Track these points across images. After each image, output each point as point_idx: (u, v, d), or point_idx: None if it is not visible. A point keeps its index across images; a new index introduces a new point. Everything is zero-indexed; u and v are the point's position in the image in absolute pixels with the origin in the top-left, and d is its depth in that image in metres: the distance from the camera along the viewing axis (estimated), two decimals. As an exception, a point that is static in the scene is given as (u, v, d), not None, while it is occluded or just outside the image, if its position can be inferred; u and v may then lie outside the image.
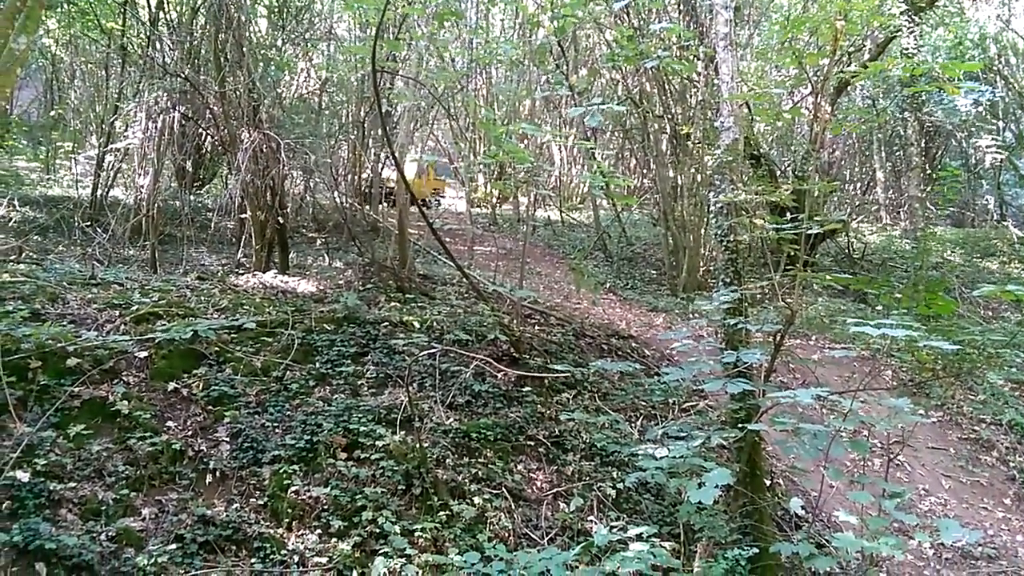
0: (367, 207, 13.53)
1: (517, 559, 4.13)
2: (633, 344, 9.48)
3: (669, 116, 14.20)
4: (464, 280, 9.25)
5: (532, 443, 6.71)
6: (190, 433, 5.74)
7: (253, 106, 9.76)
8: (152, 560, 4.50)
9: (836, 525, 6.66)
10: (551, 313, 9.51)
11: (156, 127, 10.98)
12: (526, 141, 19.17)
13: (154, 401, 5.92)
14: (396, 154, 8.39)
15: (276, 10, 14.43)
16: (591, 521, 6.00)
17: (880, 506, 3.93)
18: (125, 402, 5.68)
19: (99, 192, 13.05)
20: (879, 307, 12.13)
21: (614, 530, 4.80)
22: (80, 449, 5.21)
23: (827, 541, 5.55)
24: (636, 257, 16.74)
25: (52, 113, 17.47)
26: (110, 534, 4.66)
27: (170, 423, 5.78)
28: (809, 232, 5.34)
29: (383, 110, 8.60)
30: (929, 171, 19.21)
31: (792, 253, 6.38)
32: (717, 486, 3.92)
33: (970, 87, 14.19)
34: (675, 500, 6.14)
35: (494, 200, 20.64)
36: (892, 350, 8.68)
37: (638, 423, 7.46)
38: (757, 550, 5.06)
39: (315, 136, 11.97)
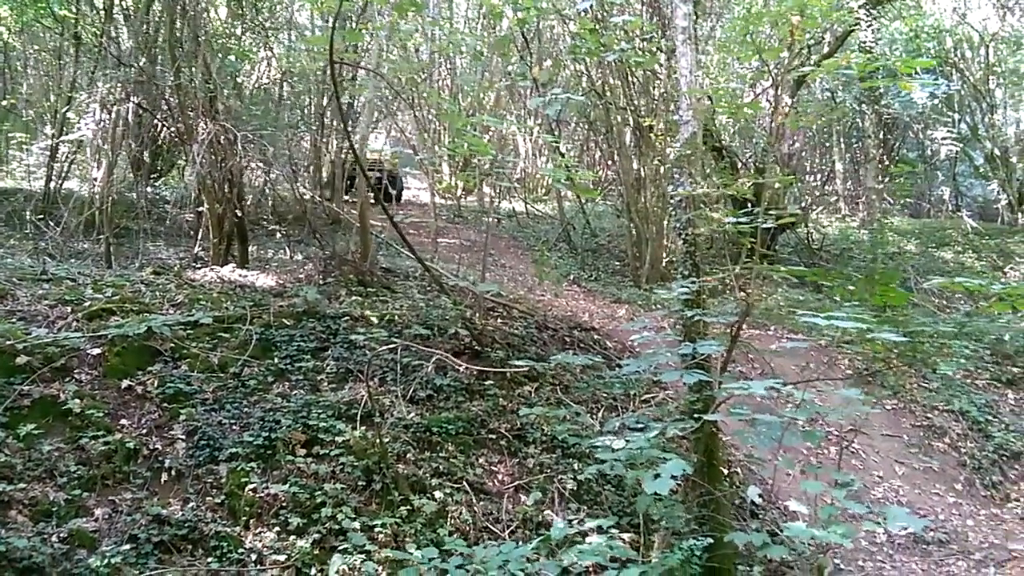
0: (328, 199, 13.39)
1: (476, 554, 4.14)
2: (595, 336, 9.53)
3: (632, 108, 14.23)
4: (427, 273, 9.20)
5: (494, 436, 6.72)
6: (144, 431, 5.66)
7: (209, 97, 9.59)
8: (105, 561, 4.44)
9: (792, 514, 6.78)
10: (514, 306, 9.50)
11: (110, 118, 10.75)
12: (490, 133, 19.10)
13: (107, 399, 5.82)
14: (356, 147, 8.32)
15: (235, -2, 14.17)
16: (552, 514, 6.03)
17: (832, 495, 4.01)
18: (77, 400, 5.57)
19: (52, 184, 12.74)
20: (836, 297, 12.32)
21: (573, 523, 4.83)
22: (30, 449, 5.11)
23: (780, 530, 5.66)
24: (600, 248, 16.80)
25: (4, 103, 16.98)
26: (62, 535, 4.58)
27: (124, 421, 5.69)
28: (765, 226, 5.40)
29: (343, 102, 8.50)
30: (887, 163, 19.50)
31: (751, 245, 6.47)
32: (673, 476, 3.96)
33: (925, 82, 14.42)
34: (635, 491, 6.19)
35: (459, 192, 20.54)
36: (845, 340, 8.85)
37: (599, 415, 7.50)
38: (712, 540, 5.13)
39: (275, 127, 11.80)
